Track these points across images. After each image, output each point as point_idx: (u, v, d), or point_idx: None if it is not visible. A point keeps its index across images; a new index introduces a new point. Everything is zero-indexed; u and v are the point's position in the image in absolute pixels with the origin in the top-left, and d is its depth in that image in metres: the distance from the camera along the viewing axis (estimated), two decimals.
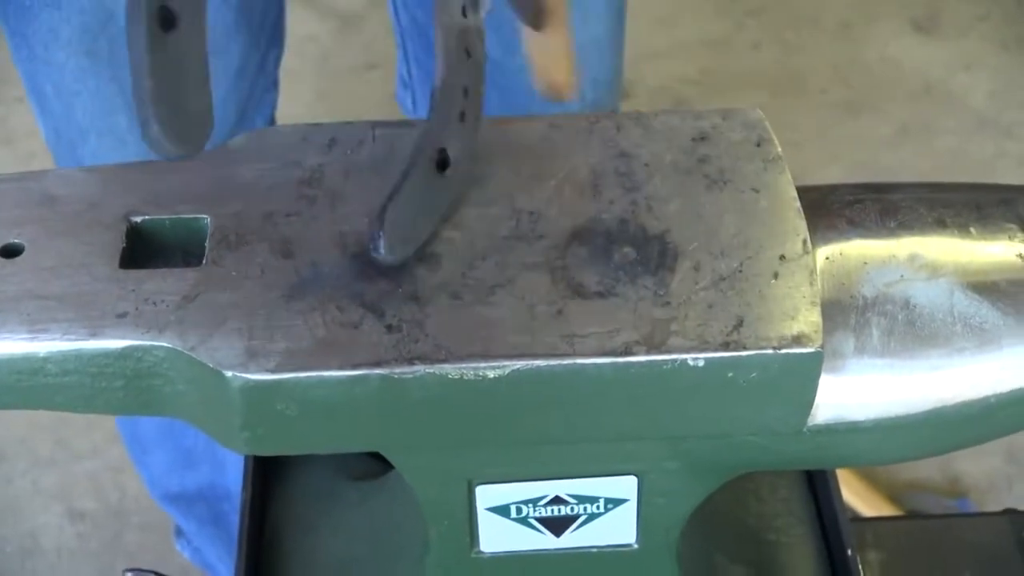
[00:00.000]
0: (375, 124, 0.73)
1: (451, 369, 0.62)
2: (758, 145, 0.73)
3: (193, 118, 0.58)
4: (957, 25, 2.67)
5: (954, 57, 2.60)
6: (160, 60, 0.57)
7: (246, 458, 0.91)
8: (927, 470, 1.89)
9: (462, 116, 0.69)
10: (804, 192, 0.71)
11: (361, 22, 2.40)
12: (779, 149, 0.73)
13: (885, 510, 1.80)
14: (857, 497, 1.79)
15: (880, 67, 2.58)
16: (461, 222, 0.68)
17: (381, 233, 0.64)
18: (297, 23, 1.42)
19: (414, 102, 1.41)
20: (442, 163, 0.67)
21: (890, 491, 1.84)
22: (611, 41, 1.29)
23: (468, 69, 0.70)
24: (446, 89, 0.69)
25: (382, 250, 0.64)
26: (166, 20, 0.57)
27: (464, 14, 0.71)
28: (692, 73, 2.53)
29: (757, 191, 0.70)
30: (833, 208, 0.72)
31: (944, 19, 2.69)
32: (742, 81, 2.52)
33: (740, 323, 0.64)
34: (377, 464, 0.90)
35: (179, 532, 1.73)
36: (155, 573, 0.84)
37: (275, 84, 1.33)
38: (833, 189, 0.74)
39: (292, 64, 1.34)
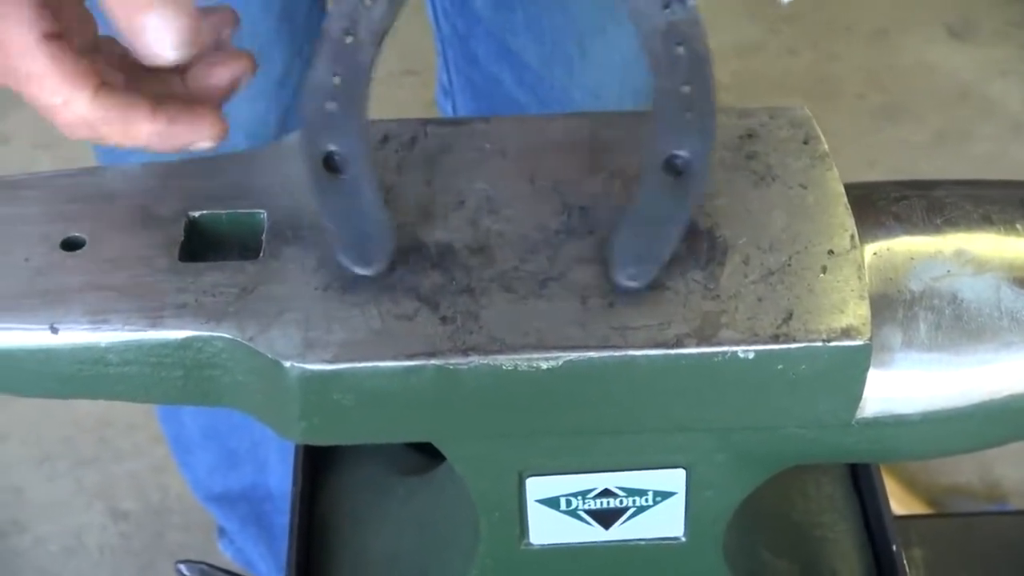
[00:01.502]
0: (427, 122, 0.74)
1: (505, 360, 0.63)
2: (805, 142, 0.73)
3: (373, 239, 0.65)
4: (993, 31, 2.67)
5: (990, 63, 2.60)
6: (332, 198, 0.65)
7: (296, 452, 0.93)
8: (967, 474, 1.89)
9: (689, 110, 0.66)
10: (850, 189, 0.71)
11: (399, 28, 2.41)
12: (826, 146, 0.73)
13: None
14: (896, 500, 1.78)
15: (916, 73, 2.58)
16: (513, 216, 0.69)
17: (617, 257, 0.64)
18: None
19: (454, 109, 1.42)
20: (675, 168, 0.66)
21: (929, 495, 1.84)
22: None
23: (685, 63, 0.66)
24: (662, 94, 0.66)
25: (618, 276, 0.64)
26: (333, 165, 0.65)
27: (669, 8, 0.66)
28: (726, 78, 2.53)
29: (805, 187, 0.71)
30: (879, 205, 0.73)
31: (980, 26, 2.69)
32: (777, 86, 2.52)
33: (789, 316, 0.64)
34: (425, 459, 0.91)
35: (222, 532, 1.74)
36: (207, 564, 0.85)
37: None
38: (879, 186, 0.75)
39: None
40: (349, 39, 0.66)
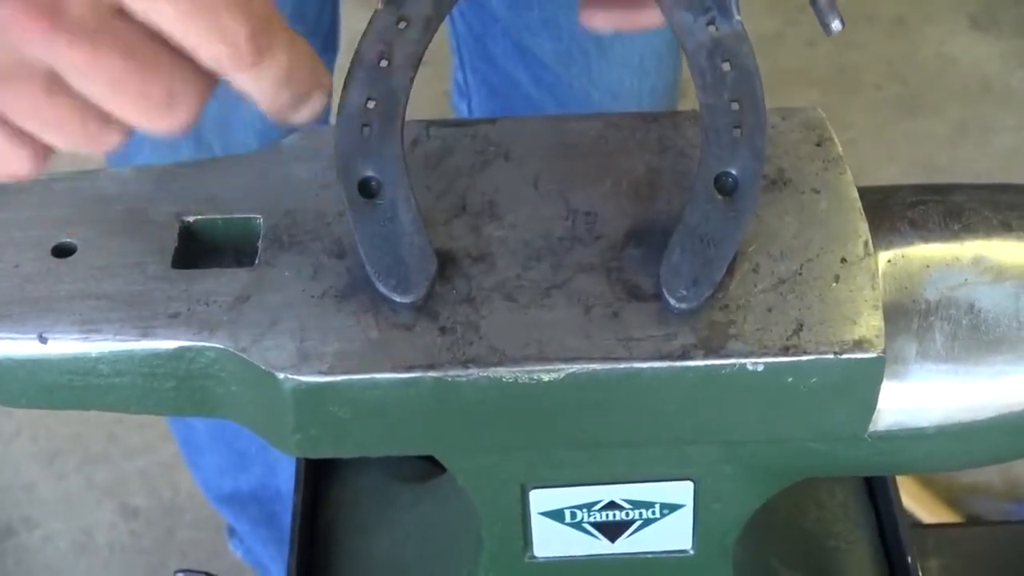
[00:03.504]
0: (429, 123, 0.72)
1: (505, 372, 0.61)
2: (818, 145, 0.71)
3: (411, 266, 0.63)
4: (1015, 22, 2.64)
5: (1012, 55, 2.57)
6: (368, 224, 0.63)
7: (297, 460, 0.91)
8: (986, 474, 1.86)
9: (738, 127, 0.65)
10: (865, 193, 0.69)
11: None
12: (840, 149, 0.71)
13: (942, 513, 1.78)
14: (914, 500, 1.76)
15: (936, 64, 2.55)
16: (516, 222, 0.67)
17: (667, 279, 0.62)
18: (351, 22, 1.41)
19: (470, 110, 1.40)
20: (725, 187, 0.64)
21: (947, 494, 1.82)
22: (670, 51, 1.27)
23: (733, 79, 0.65)
24: (709, 111, 0.65)
25: (669, 298, 0.62)
26: (369, 190, 0.63)
27: (713, 24, 0.65)
28: None
29: (817, 192, 0.69)
30: (895, 210, 0.71)
31: (1001, 16, 2.66)
32: (795, 78, 2.50)
33: (800, 327, 0.62)
34: (429, 466, 0.90)
35: (232, 532, 1.73)
36: (206, 574, 0.83)
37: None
38: (895, 190, 0.73)
39: (345, 63, 1.34)
40: (384, 63, 0.64)
